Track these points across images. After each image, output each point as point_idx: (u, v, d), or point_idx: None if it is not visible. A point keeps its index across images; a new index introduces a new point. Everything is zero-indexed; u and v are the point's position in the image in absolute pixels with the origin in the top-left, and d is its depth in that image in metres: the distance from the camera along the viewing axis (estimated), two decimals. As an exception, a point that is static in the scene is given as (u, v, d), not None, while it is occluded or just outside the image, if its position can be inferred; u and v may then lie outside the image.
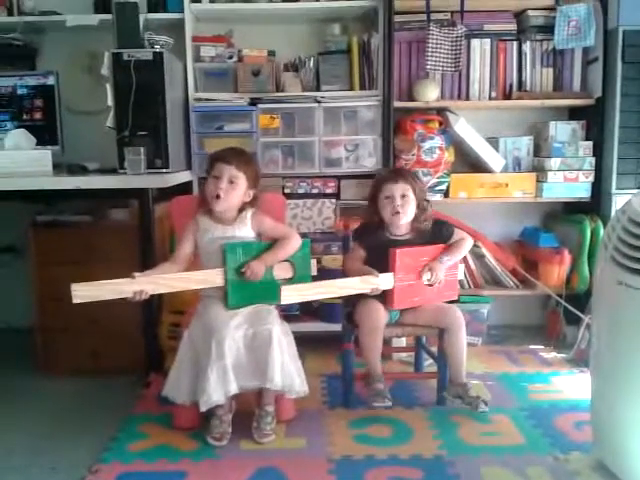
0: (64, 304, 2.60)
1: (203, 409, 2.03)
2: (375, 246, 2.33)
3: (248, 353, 2.07)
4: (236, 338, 2.06)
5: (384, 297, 2.26)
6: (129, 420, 2.27)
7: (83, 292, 1.98)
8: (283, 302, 2.10)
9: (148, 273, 2.11)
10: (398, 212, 2.29)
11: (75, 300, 1.97)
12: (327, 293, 2.23)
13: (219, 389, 2.01)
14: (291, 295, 2.13)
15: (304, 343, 2.33)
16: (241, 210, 2.23)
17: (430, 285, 2.31)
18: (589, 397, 1.95)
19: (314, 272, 2.30)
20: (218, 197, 2.15)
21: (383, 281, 2.23)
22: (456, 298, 2.44)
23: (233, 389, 2.03)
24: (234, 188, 2.16)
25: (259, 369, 2.06)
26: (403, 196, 2.30)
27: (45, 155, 2.62)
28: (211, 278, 2.16)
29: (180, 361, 2.13)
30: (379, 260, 2.27)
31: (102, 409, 2.38)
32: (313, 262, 2.30)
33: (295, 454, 2.03)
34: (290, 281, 2.24)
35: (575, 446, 2.04)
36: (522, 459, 1.97)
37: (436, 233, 2.37)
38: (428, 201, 2.40)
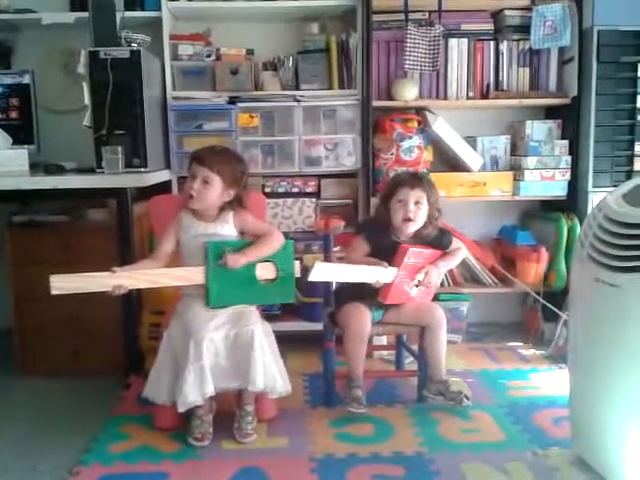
0: (42, 304, 2.63)
1: (181, 410, 2.02)
2: (378, 245, 2.32)
3: (229, 354, 2.06)
4: (215, 339, 2.05)
5: (377, 290, 2.27)
6: (110, 421, 2.25)
7: (61, 284, 1.96)
8: (311, 279, 2.12)
9: (128, 268, 2.11)
10: (410, 219, 2.28)
11: (53, 291, 1.94)
12: (351, 277, 2.22)
13: (196, 390, 2.00)
14: (324, 273, 2.14)
15: (285, 342, 2.34)
16: (223, 209, 2.22)
17: (416, 286, 2.33)
18: (567, 393, 1.97)
19: (297, 273, 2.28)
20: (191, 197, 2.15)
21: (386, 274, 2.23)
22: (431, 295, 2.47)
23: (210, 391, 2.01)
24: (207, 189, 2.14)
25: (240, 370, 2.05)
26: (417, 203, 2.29)
27: (21, 154, 2.58)
28: (192, 275, 2.14)
29: (160, 361, 2.12)
30: (380, 258, 2.27)
31: (82, 410, 2.36)
32: (297, 263, 2.28)
33: (277, 453, 2.03)
34: (273, 282, 2.23)
35: (554, 442, 2.07)
36: (502, 455, 1.99)
37: (437, 240, 2.37)
38: (439, 210, 2.37)
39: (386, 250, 2.28)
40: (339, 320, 2.31)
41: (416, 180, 2.34)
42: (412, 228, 2.31)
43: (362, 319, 2.26)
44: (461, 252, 2.42)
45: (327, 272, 2.16)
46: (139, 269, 2.12)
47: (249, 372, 2.03)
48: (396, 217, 2.31)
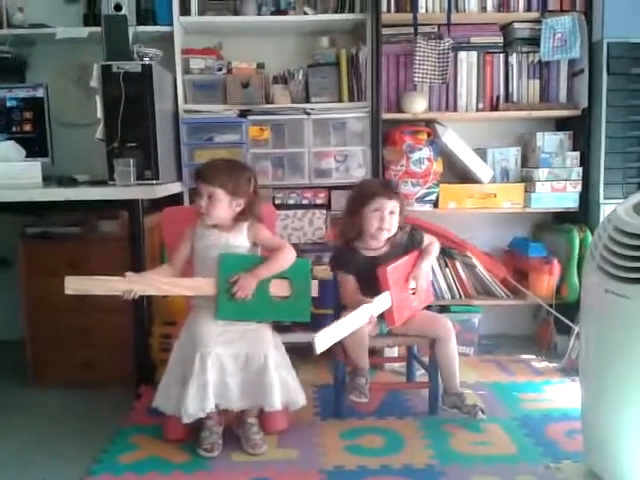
0: (54, 315, 2.64)
1: (185, 421, 2.02)
2: (358, 271, 2.32)
3: (239, 374, 2.06)
4: (222, 355, 2.04)
5: (383, 316, 2.26)
6: (120, 432, 2.25)
7: (75, 285, 2.05)
8: (319, 351, 2.02)
9: (142, 274, 2.15)
10: (384, 228, 2.30)
11: (67, 291, 2.04)
12: (353, 326, 2.16)
13: (196, 404, 2.00)
14: (325, 341, 2.07)
15: (295, 354, 2.33)
16: (237, 220, 2.23)
17: (413, 293, 2.33)
18: (580, 406, 1.96)
19: (315, 293, 2.26)
20: (202, 214, 2.18)
21: (381, 303, 2.22)
22: (432, 301, 2.50)
23: (210, 407, 2.01)
24: (214, 204, 2.16)
25: (251, 391, 2.05)
26: (391, 212, 2.31)
27: (35, 167, 2.62)
28: (203, 286, 2.15)
29: (170, 372, 2.13)
30: (366, 282, 2.27)
31: (93, 421, 2.36)
32: (314, 283, 2.27)
33: (287, 465, 2.02)
34: (287, 300, 2.22)
35: (566, 455, 2.05)
36: (514, 468, 1.97)
37: (409, 242, 2.39)
38: (406, 217, 2.43)
39: (366, 270, 2.28)
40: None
41: (392, 191, 2.36)
42: (385, 236, 2.33)
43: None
44: (436, 246, 2.44)
45: (329, 337, 2.10)
46: (154, 276, 2.14)
47: (265, 395, 2.03)
48: (370, 225, 2.31)
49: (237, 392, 2.05)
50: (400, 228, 2.36)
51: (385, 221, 2.30)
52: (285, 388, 2.09)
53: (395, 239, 2.36)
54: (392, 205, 2.31)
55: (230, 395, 2.05)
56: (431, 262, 2.42)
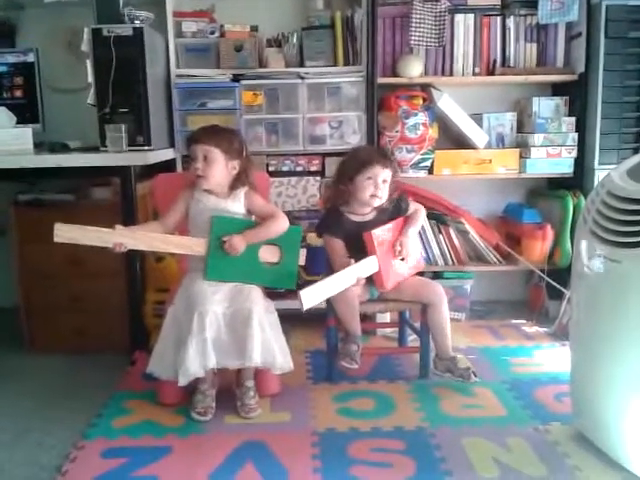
0: (48, 282, 2.65)
1: (182, 382, 2.02)
2: (345, 235, 2.33)
3: (228, 331, 2.07)
4: (218, 313, 2.06)
5: (373, 281, 2.27)
6: (114, 397, 2.28)
7: (65, 232, 2.02)
8: (305, 307, 2.08)
9: (133, 229, 2.14)
10: (377, 196, 2.30)
11: (56, 239, 2.01)
12: (340, 286, 2.19)
13: (197, 362, 2.01)
14: (312, 298, 2.11)
15: (289, 320, 2.35)
16: (234, 187, 2.22)
17: (402, 259, 2.33)
18: (569, 369, 1.98)
19: (302, 261, 2.27)
20: (199, 177, 2.16)
21: (368, 266, 2.23)
22: (423, 267, 2.51)
23: (212, 363, 2.02)
24: (210, 164, 2.15)
25: (239, 348, 2.05)
26: (384, 181, 2.30)
27: (26, 133, 2.59)
28: (194, 245, 2.15)
29: (164, 337, 2.14)
30: (354, 247, 2.28)
31: (87, 387, 2.39)
32: (302, 251, 2.27)
33: (280, 428, 2.05)
34: (275, 265, 2.23)
35: (555, 417, 2.08)
36: (503, 430, 2.00)
37: (395, 209, 2.39)
38: (397, 184, 2.41)
39: (353, 235, 2.29)
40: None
41: (386, 159, 2.34)
42: (377, 204, 2.33)
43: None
44: (422, 212, 2.45)
45: (316, 294, 2.12)
46: (144, 230, 2.15)
47: (246, 348, 2.03)
48: (363, 194, 2.30)
49: (230, 349, 2.06)
50: (389, 196, 2.36)
51: (379, 189, 2.29)
52: (266, 348, 2.07)
53: (382, 205, 2.36)
54: (386, 174, 2.30)
55: (224, 352, 2.05)
56: (417, 229, 2.42)
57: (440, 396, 2.26)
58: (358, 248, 2.26)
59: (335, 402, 2.22)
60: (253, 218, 2.28)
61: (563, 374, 2.27)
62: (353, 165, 2.35)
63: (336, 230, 2.34)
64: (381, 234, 2.27)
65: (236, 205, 2.22)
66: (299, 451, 1.91)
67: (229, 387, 2.20)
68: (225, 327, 2.07)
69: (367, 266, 2.23)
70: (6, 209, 2.70)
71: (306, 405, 2.20)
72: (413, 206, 2.43)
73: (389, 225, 2.32)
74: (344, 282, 2.19)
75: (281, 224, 2.22)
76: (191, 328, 2.02)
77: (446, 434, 1.98)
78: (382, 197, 2.31)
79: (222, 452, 1.90)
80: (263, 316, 2.10)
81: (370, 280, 2.27)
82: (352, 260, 2.22)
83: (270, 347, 2.09)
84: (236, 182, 2.22)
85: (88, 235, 2.04)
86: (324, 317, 2.43)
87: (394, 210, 2.39)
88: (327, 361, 2.42)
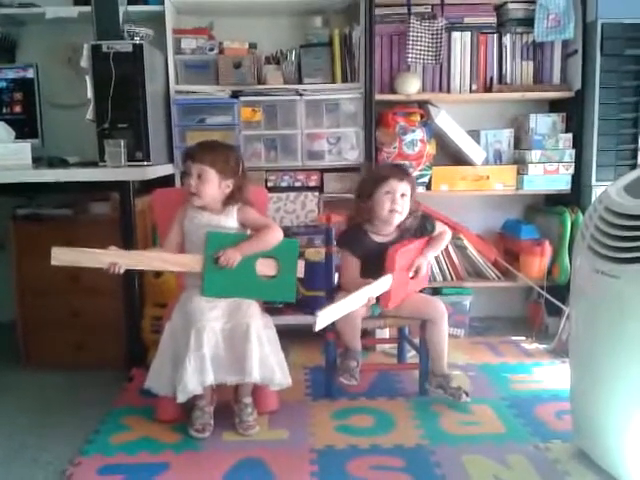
0: (46, 297, 2.64)
1: (180, 399, 2.01)
2: (364, 254, 2.31)
3: (226, 347, 2.05)
4: (216, 330, 2.05)
5: (378, 299, 2.25)
6: (111, 413, 2.26)
7: (62, 255, 2.03)
8: (319, 328, 2.04)
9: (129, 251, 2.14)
10: (397, 210, 2.28)
11: (53, 262, 2.02)
12: (353, 306, 2.17)
13: (195, 379, 2.00)
14: (327, 318, 2.08)
15: (288, 336, 2.34)
16: (227, 203, 2.22)
17: (412, 278, 2.33)
18: (569, 386, 1.97)
19: (300, 274, 2.25)
20: (192, 194, 2.16)
21: (381, 285, 2.21)
22: (427, 284, 2.50)
23: (210, 380, 2.01)
24: (204, 183, 2.15)
25: (237, 364, 2.04)
26: (402, 195, 2.29)
27: (25, 148, 2.59)
28: (190, 263, 2.15)
29: (162, 352, 2.12)
30: (371, 267, 2.27)
31: (84, 403, 2.37)
32: (300, 264, 2.25)
33: (278, 445, 2.03)
34: (273, 279, 2.22)
35: (556, 435, 2.06)
36: (503, 448, 1.99)
37: (420, 228, 2.38)
38: (418, 202, 2.41)
39: (373, 255, 2.28)
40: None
41: (404, 173, 2.34)
42: (397, 219, 2.31)
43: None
44: (447, 236, 2.43)
45: (329, 315, 2.10)
46: (139, 251, 2.15)
47: (245, 364, 2.02)
48: (382, 208, 2.29)
49: (228, 366, 2.05)
50: (410, 213, 2.34)
51: (397, 203, 2.28)
52: (265, 364, 2.06)
53: (405, 224, 2.34)
54: (404, 187, 2.29)
55: (222, 369, 2.04)
56: (438, 251, 2.41)
57: (440, 413, 2.24)
58: (374, 268, 2.24)
59: (334, 419, 2.21)
60: (248, 232, 2.27)
61: (563, 391, 2.26)
62: (371, 181, 2.36)
63: (356, 248, 2.33)
64: (404, 253, 2.25)
65: (229, 220, 2.22)
66: (297, 469, 1.89)
67: (227, 403, 2.19)
68: (223, 343, 2.05)
69: (381, 285, 2.21)
70: (4, 224, 2.70)
71: (305, 422, 2.19)
72: (440, 228, 2.41)
73: (414, 244, 2.31)
74: (356, 302, 2.17)
75: (275, 234, 2.20)
76: (189, 344, 2.01)
77: (446, 451, 1.97)
78: (402, 212, 2.30)
79: (220, 470, 1.88)
80: (261, 331, 2.09)
81: (375, 298, 2.26)
82: (371, 280, 2.19)
83: (268, 363, 2.08)
84: (229, 199, 2.22)
85: (85, 257, 2.04)
86: (323, 332, 2.42)
87: (418, 230, 2.37)
88: (326, 377, 2.40)
